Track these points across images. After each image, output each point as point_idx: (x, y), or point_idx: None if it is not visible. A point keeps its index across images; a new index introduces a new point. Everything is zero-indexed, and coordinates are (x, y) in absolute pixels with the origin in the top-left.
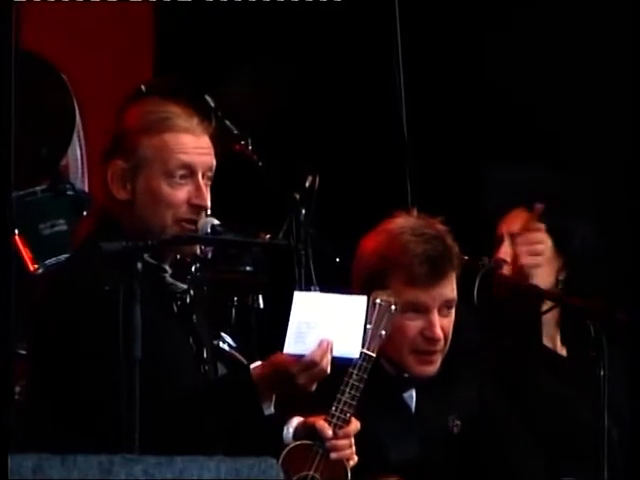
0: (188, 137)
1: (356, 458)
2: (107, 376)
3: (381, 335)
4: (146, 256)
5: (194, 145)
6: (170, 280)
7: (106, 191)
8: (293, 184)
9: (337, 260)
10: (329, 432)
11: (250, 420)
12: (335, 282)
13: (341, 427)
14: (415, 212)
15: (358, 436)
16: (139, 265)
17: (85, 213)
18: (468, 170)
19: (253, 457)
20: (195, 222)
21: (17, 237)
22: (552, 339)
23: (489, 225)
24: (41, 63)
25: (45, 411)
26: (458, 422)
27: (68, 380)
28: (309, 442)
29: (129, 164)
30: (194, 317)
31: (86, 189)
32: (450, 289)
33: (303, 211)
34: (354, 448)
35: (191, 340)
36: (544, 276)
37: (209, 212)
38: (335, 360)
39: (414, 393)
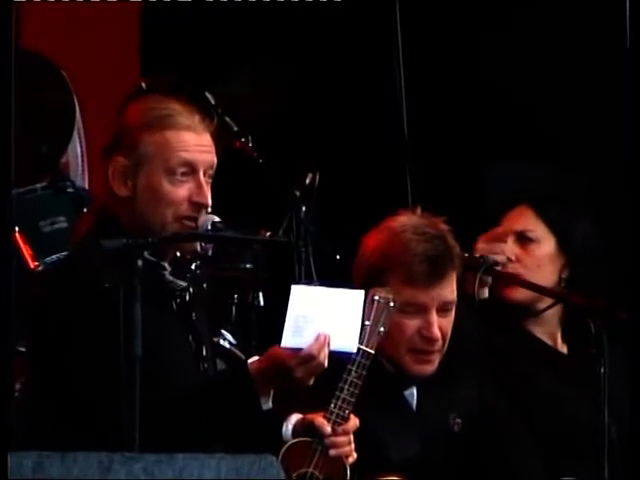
0: (190, 135)
1: (355, 455)
2: (107, 374)
3: (380, 332)
4: (146, 253)
5: (195, 143)
6: (169, 278)
7: (106, 188)
8: (293, 181)
9: (337, 257)
10: (328, 429)
11: (248, 415)
12: (335, 279)
13: (340, 424)
14: (419, 211)
15: (359, 434)
16: (139, 262)
17: (85, 210)
18: (468, 168)
19: (253, 455)
20: (195, 220)
21: (17, 234)
22: (553, 337)
23: (490, 223)
24: (41, 61)
25: (45, 409)
26: (459, 420)
27: (68, 378)
28: (308, 439)
29: (130, 161)
30: (193, 315)
31: (86, 186)
32: (449, 290)
33: (303, 208)
34: (353, 445)
35: (190, 338)
36: (547, 274)
37: (209, 209)
38: (332, 354)
39: (415, 391)
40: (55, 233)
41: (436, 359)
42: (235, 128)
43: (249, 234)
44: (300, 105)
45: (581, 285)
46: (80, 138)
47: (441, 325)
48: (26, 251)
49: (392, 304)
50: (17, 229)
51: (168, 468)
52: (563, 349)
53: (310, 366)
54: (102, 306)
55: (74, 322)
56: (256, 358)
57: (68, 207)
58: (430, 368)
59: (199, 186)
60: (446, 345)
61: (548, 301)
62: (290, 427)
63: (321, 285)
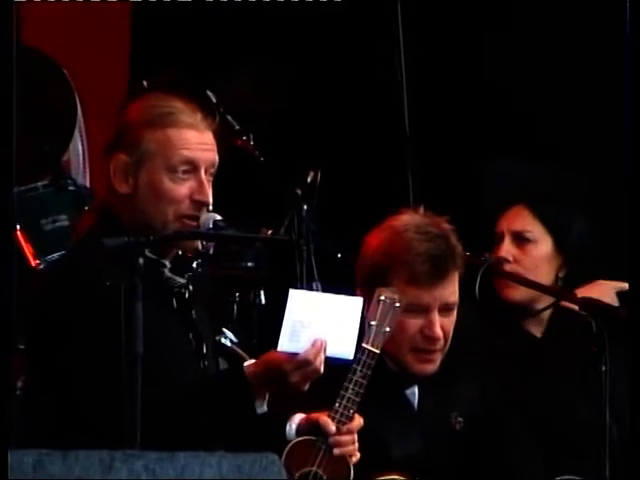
0: (192, 133)
1: (359, 455)
2: (108, 372)
3: (385, 332)
4: (146, 251)
5: (197, 141)
6: (168, 274)
7: (108, 185)
8: (295, 180)
9: (339, 256)
10: (332, 428)
11: (243, 417)
12: (337, 278)
13: (344, 423)
14: (421, 210)
15: (360, 432)
16: (141, 261)
17: (87, 208)
18: (469, 167)
19: (255, 453)
20: (197, 218)
21: (19, 232)
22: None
23: (489, 222)
24: (43, 59)
25: (45, 407)
26: (460, 419)
27: (69, 376)
28: (312, 438)
29: (132, 158)
30: (193, 312)
31: (87, 184)
32: (451, 290)
33: (305, 207)
34: (357, 444)
35: (190, 335)
36: (544, 274)
37: (211, 208)
38: (329, 360)
39: (416, 390)
40: (56, 231)
41: (438, 358)
42: (236, 127)
43: (250, 232)
44: (301, 104)
45: (579, 284)
46: (81, 136)
47: (443, 324)
48: (27, 249)
49: (398, 304)
50: (18, 227)
51: (169, 466)
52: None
53: (306, 371)
54: (103, 304)
55: (75, 320)
56: (252, 361)
57: (69, 205)
58: (432, 367)
59: (200, 184)
60: (448, 344)
61: (546, 300)
62: (294, 426)
63: (322, 284)
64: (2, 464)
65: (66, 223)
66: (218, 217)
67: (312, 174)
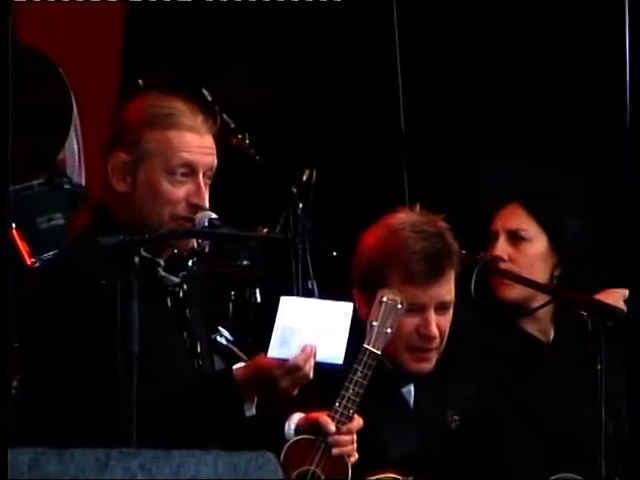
0: (192, 136)
1: (357, 455)
2: (104, 371)
3: (387, 333)
4: (141, 250)
5: (198, 144)
6: (162, 273)
7: (105, 183)
8: (290, 178)
9: (334, 254)
10: (332, 427)
11: (231, 420)
12: (332, 276)
13: (344, 423)
14: (418, 208)
15: (357, 431)
16: (136, 259)
17: (81, 206)
18: (466, 165)
19: (250, 452)
20: (192, 220)
21: (14, 231)
22: (546, 334)
23: (485, 220)
24: (38, 57)
25: (41, 406)
26: (456, 417)
27: (64, 374)
28: (311, 437)
29: (131, 157)
30: (187, 311)
31: (83, 183)
32: (447, 289)
33: (300, 205)
34: (355, 445)
35: (185, 334)
36: (539, 273)
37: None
38: (318, 365)
39: (413, 388)
40: (52, 230)
41: (434, 357)
42: (232, 125)
43: (246, 231)
44: (297, 102)
45: (574, 283)
46: (77, 135)
47: (439, 323)
48: (23, 248)
49: (400, 306)
50: (14, 226)
51: (165, 465)
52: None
53: (295, 377)
54: (99, 303)
55: (71, 319)
56: (242, 364)
57: (65, 204)
58: (428, 366)
59: (198, 188)
60: (444, 343)
61: (542, 299)
62: (292, 426)
63: (317, 282)
64: (2, 464)
65: (61, 222)
66: (213, 215)
67: (308, 172)
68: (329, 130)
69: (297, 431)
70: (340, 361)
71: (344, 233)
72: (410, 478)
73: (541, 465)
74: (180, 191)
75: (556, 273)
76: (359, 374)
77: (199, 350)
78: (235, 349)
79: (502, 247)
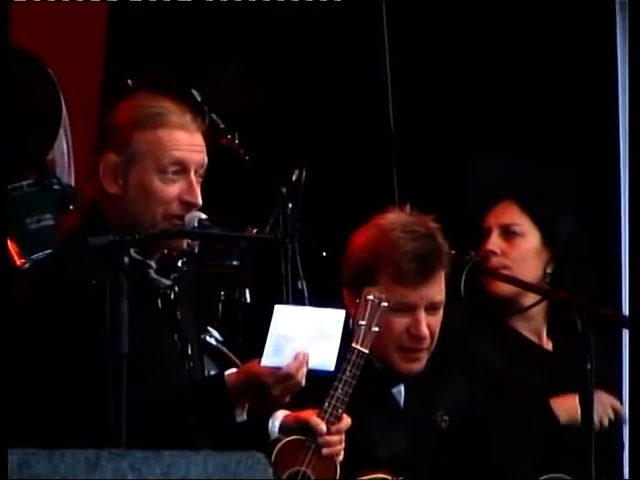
0: (182, 134)
1: (343, 454)
2: (93, 371)
3: (374, 331)
4: (132, 251)
5: (188, 142)
6: (154, 276)
7: (96, 184)
8: (280, 178)
9: (324, 254)
10: (323, 428)
11: (223, 426)
12: (322, 276)
13: (333, 423)
14: (408, 208)
15: (347, 430)
16: (126, 259)
17: (71, 207)
18: (456, 164)
19: (240, 452)
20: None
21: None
22: (538, 333)
23: (475, 219)
24: (27, 57)
25: (30, 406)
26: (446, 417)
27: (54, 375)
28: (301, 437)
29: (121, 158)
30: (178, 313)
31: (72, 184)
32: (438, 289)
33: (290, 205)
34: (344, 444)
35: (175, 336)
36: (532, 268)
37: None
38: (310, 372)
39: (403, 388)
40: (41, 230)
41: (424, 357)
42: (221, 125)
43: (236, 231)
44: (286, 102)
45: (566, 280)
46: (66, 135)
47: (429, 323)
48: (12, 248)
49: (385, 304)
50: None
51: (155, 465)
52: (548, 346)
53: (288, 385)
54: (88, 303)
55: (60, 319)
56: (233, 370)
57: (54, 204)
58: (418, 366)
59: (190, 185)
60: (434, 343)
61: (533, 296)
62: (277, 423)
63: (307, 282)
64: (2, 464)
65: (51, 222)
66: (203, 216)
67: (297, 172)
68: (319, 130)
69: (282, 429)
70: (332, 368)
71: (334, 233)
72: (400, 478)
73: (532, 465)
74: (172, 189)
75: (549, 270)
76: (348, 373)
77: (190, 352)
78: (225, 349)
79: (495, 242)
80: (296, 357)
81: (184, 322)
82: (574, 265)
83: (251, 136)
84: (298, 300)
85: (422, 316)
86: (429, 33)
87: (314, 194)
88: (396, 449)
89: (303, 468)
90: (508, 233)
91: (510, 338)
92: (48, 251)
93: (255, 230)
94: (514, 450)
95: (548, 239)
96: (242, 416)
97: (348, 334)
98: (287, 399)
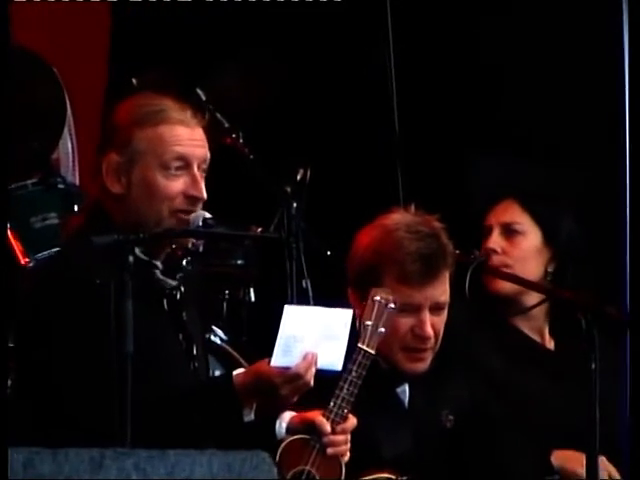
0: (182, 129)
1: (349, 454)
2: (98, 370)
3: (380, 332)
4: (138, 252)
5: (189, 137)
6: (160, 276)
7: (100, 185)
8: (284, 177)
9: (328, 254)
10: (328, 428)
11: (230, 426)
12: (326, 276)
13: (338, 423)
14: (412, 208)
15: (352, 430)
16: (130, 259)
17: (76, 206)
18: (460, 165)
19: (245, 451)
20: (191, 213)
21: (8, 230)
22: (540, 333)
23: (478, 219)
24: (32, 57)
25: (36, 405)
26: (451, 417)
27: (58, 374)
28: (306, 437)
29: (123, 157)
30: (184, 314)
31: (77, 182)
32: (442, 289)
33: (294, 204)
34: (349, 445)
35: (181, 337)
36: (533, 267)
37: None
38: (318, 372)
39: (407, 388)
40: (46, 229)
41: (429, 357)
42: (226, 124)
43: (240, 230)
44: (291, 102)
45: (568, 279)
46: (71, 134)
47: (434, 323)
48: (17, 247)
49: (392, 305)
50: (8, 225)
51: (159, 464)
52: (550, 345)
53: (296, 385)
54: (93, 302)
55: (65, 318)
56: (241, 370)
57: (59, 203)
58: (422, 366)
59: (194, 180)
60: (439, 343)
61: (535, 295)
62: (284, 424)
63: (312, 282)
64: (2, 464)
65: (55, 221)
66: (207, 215)
67: (302, 172)
68: (324, 130)
69: (289, 430)
70: (339, 368)
71: (338, 233)
72: (404, 478)
73: (534, 465)
74: (176, 185)
75: (550, 269)
76: (354, 374)
77: (195, 352)
78: (229, 349)
79: (496, 240)
80: (305, 357)
81: (189, 322)
82: (575, 264)
83: (256, 135)
84: (303, 299)
85: (426, 316)
86: (433, 35)
87: (319, 193)
88: (400, 449)
89: (308, 467)
90: (509, 232)
91: (513, 337)
92: (53, 250)
93: (260, 229)
94: (516, 449)
95: (549, 238)
96: (250, 416)
97: (354, 334)
98: (295, 399)
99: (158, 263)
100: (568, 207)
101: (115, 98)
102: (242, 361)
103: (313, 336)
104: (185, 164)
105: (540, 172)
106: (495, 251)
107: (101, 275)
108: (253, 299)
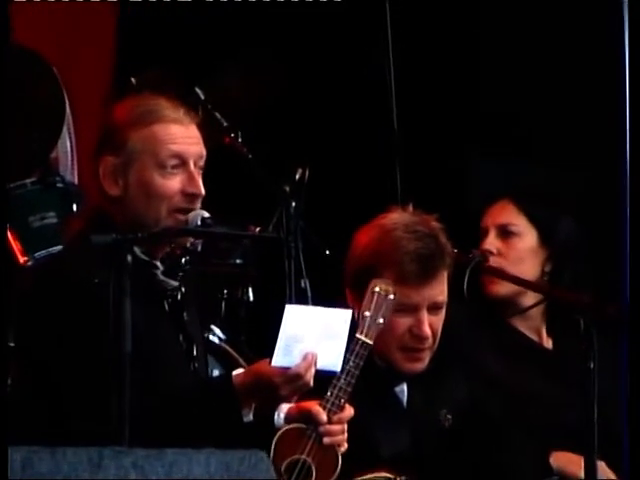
0: (176, 127)
1: (346, 445)
2: (96, 370)
3: (379, 323)
4: (138, 252)
5: (183, 135)
6: (161, 277)
7: (98, 188)
8: (283, 177)
9: (327, 253)
10: (324, 417)
11: (230, 426)
12: (324, 275)
13: (335, 412)
14: (410, 208)
15: (349, 429)
16: (129, 258)
17: (75, 205)
18: (456, 165)
19: (243, 450)
20: (190, 211)
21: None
22: (538, 332)
23: (475, 219)
24: (31, 56)
25: (34, 404)
26: (449, 416)
27: (56, 373)
28: (302, 426)
29: (119, 159)
30: (185, 314)
31: (76, 182)
32: (440, 289)
33: (293, 204)
34: (346, 434)
35: (181, 337)
36: (529, 268)
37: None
38: (317, 372)
39: (405, 387)
40: (44, 228)
41: (426, 357)
42: (225, 124)
43: (239, 230)
44: (290, 101)
45: (565, 279)
46: (70, 133)
47: (432, 323)
48: (15, 246)
49: (392, 296)
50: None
51: (157, 463)
52: (548, 344)
53: (296, 385)
54: (91, 302)
55: (63, 318)
56: (241, 371)
57: (58, 202)
58: (420, 366)
59: (191, 177)
60: (437, 343)
61: (532, 296)
62: (282, 415)
63: (310, 281)
64: (2, 464)
65: (54, 220)
66: (206, 214)
67: (300, 171)
68: (322, 129)
69: (287, 420)
70: (338, 368)
71: (337, 232)
72: (403, 477)
73: (533, 464)
74: (174, 183)
75: (546, 269)
76: (351, 364)
77: (195, 353)
78: (228, 348)
79: (492, 241)
80: (305, 357)
81: (190, 323)
82: (572, 264)
83: (254, 135)
84: (301, 299)
85: (424, 316)
86: (433, 34)
87: (317, 193)
88: (399, 448)
89: (304, 457)
90: (505, 233)
91: (511, 337)
92: (51, 249)
93: (258, 229)
94: (515, 448)
95: (545, 238)
96: (249, 416)
97: (352, 334)
98: (294, 399)
99: (158, 263)
100: (567, 207)
101: (115, 98)
102: (241, 360)
103: (313, 336)
104: (181, 162)
105: (540, 172)
106: (491, 252)
107: (100, 274)
108: (252, 298)
